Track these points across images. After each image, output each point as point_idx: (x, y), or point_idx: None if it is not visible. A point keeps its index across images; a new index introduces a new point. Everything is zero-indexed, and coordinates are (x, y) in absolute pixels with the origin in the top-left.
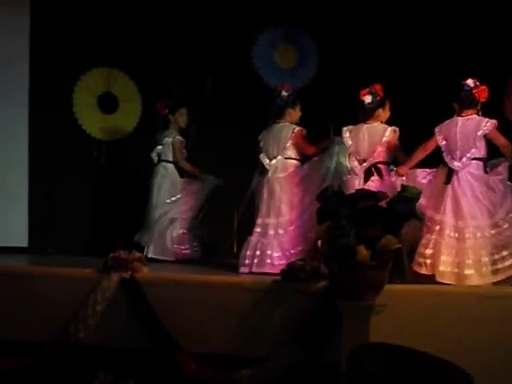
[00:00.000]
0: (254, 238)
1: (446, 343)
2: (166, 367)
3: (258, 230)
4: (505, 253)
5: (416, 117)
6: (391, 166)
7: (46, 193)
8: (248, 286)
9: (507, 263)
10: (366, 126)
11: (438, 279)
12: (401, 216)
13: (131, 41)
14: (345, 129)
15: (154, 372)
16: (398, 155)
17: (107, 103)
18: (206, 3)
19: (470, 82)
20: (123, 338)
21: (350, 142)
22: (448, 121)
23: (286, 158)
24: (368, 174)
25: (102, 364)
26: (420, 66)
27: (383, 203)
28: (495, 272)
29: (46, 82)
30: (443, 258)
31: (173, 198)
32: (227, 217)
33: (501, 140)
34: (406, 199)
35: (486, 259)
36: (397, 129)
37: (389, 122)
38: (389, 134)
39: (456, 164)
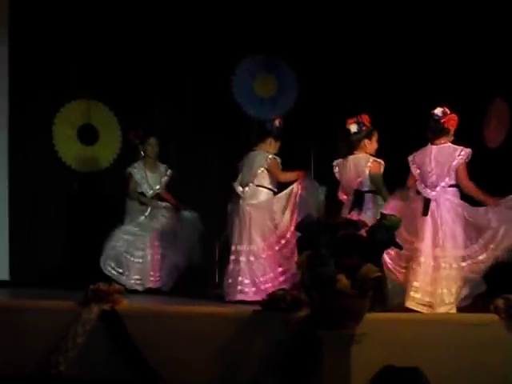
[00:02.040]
0: (230, 266)
1: (427, 371)
2: None
3: (232, 257)
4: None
5: (397, 146)
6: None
7: (26, 226)
8: (229, 316)
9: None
10: (351, 157)
11: (407, 305)
12: (381, 244)
13: (111, 72)
14: (334, 163)
15: None
16: (379, 188)
17: (87, 135)
18: (185, 32)
19: (437, 111)
20: (104, 370)
21: (338, 177)
22: (422, 149)
23: (257, 186)
24: (354, 204)
25: None
26: (399, 95)
27: (363, 231)
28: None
29: (26, 114)
30: (415, 283)
31: (135, 229)
32: (208, 246)
33: (464, 180)
34: (386, 227)
35: (455, 289)
36: (380, 161)
37: (376, 154)
38: (371, 164)
39: (429, 192)
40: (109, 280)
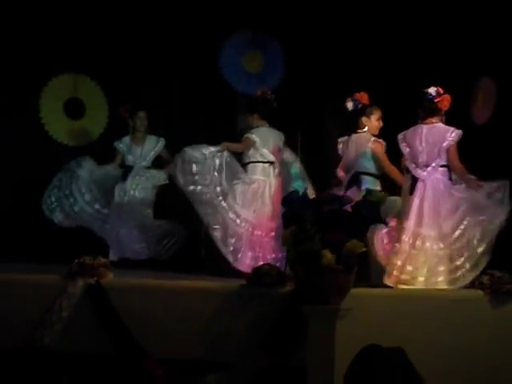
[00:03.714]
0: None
1: (412, 347)
2: (132, 372)
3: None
4: (459, 262)
5: (389, 125)
6: None
7: (11, 198)
8: (214, 290)
9: (463, 271)
10: (354, 135)
11: (386, 282)
12: (366, 220)
13: (98, 46)
14: (339, 140)
15: (119, 377)
16: (387, 168)
17: (74, 109)
18: (174, 9)
19: (431, 90)
20: (89, 343)
21: (341, 153)
22: (412, 128)
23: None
24: (350, 183)
25: (68, 370)
26: (390, 72)
27: (348, 207)
28: (452, 281)
29: (13, 88)
30: (395, 261)
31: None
32: (196, 220)
33: (455, 161)
34: (372, 203)
35: (442, 268)
36: (381, 140)
37: (379, 133)
38: (371, 144)
39: (420, 172)
40: (94, 253)
